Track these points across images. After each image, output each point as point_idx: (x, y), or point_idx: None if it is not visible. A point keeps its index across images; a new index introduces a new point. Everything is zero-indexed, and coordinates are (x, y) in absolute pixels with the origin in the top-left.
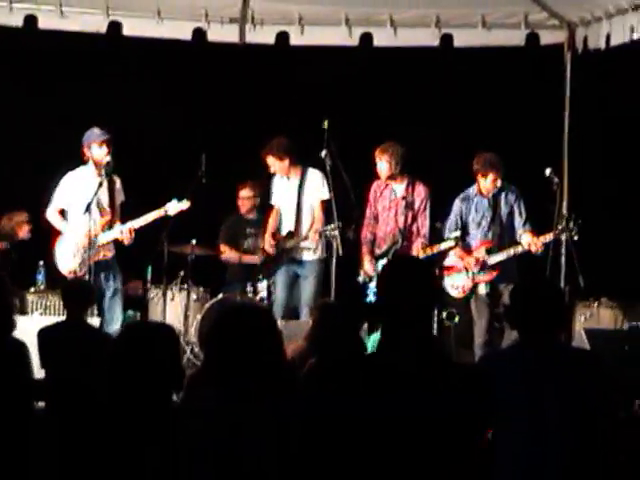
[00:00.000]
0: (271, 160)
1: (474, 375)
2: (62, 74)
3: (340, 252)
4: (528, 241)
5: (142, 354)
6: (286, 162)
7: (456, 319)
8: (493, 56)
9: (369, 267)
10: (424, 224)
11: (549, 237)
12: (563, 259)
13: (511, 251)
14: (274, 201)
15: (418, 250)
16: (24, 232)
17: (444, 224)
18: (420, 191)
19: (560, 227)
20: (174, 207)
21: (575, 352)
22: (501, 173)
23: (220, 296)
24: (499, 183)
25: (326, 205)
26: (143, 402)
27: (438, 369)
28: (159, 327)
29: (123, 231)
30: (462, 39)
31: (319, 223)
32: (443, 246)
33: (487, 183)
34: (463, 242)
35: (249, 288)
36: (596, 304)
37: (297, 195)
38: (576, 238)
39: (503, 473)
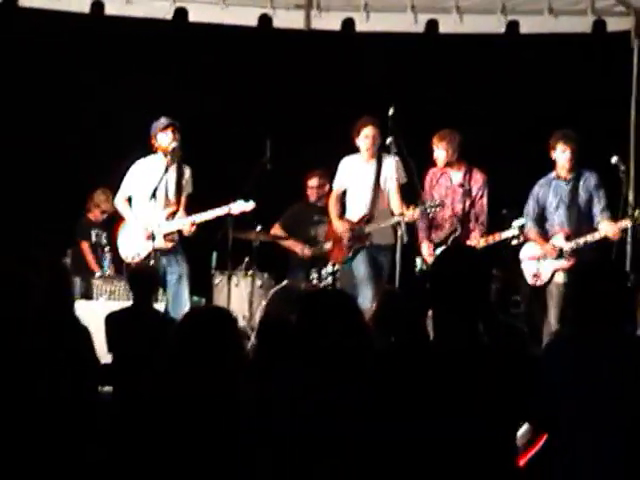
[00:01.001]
0: (373, 132)
1: (523, 366)
2: (128, 60)
3: (405, 239)
4: (606, 228)
5: (203, 339)
6: (379, 140)
7: (521, 307)
8: (559, 43)
9: (428, 254)
10: (482, 211)
11: (627, 223)
12: (629, 247)
13: (588, 237)
14: (340, 185)
15: (478, 238)
16: (95, 215)
17: (509, 210)
18: (477, 178)
19: (637, 214)
20: (238, 207)
21: (637, 341)
22: (576, 147)
23: (284, 282)
24: (570, 156)
25: (402, 189)
26: (203, 385)
27: (485, 359)
28: (218, 312)
29: (185, 223)
30: (528, 26)
31: (397, 207)
32: (505, 234)
33: (562, 157)
34: (542, 229)
35: (314, 275)
36: None
37: (375, 179)
38: None
39: (562, 464)
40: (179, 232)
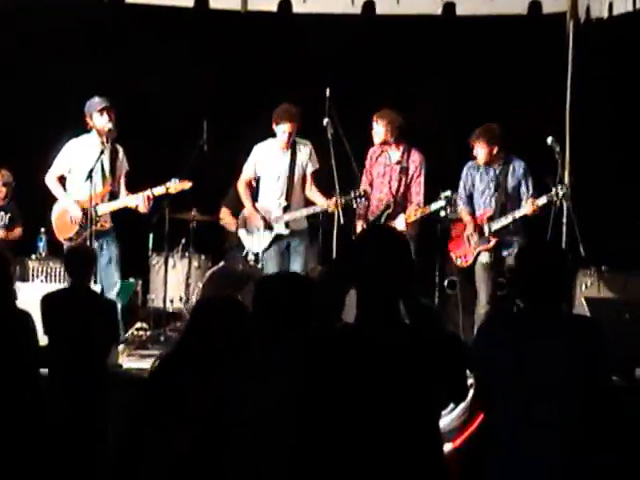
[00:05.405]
0: (291, 128)
1: (448, 345)
2: (64, 42)
3: (341, 220)
4: (524, 206)
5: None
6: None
7: (457, 287)
8: (495, 25)
9: None
10: (418, 191)
11: (543, 200)
12: (564, 228)
13: (509, 217)
14: (252, 172)
15: (409, 214)
16: None
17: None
18: (415, 158)
19: (552, 192)
20: (175, 186)
21: (575, 318)
22: (494, 144)
23: (221, 264)
24: (492, 152)
25: (316, 176)
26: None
27: (410, 339)
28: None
29: (134, 200)
30: (464, 7)
31: (315, 194)
32: (434, 206)
33: (479, 154)
34: (471, 208)
35: (250, 256)
36: (596, 273)
37: (289, 166)
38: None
39: (498, 437)
40: (114, 215)
